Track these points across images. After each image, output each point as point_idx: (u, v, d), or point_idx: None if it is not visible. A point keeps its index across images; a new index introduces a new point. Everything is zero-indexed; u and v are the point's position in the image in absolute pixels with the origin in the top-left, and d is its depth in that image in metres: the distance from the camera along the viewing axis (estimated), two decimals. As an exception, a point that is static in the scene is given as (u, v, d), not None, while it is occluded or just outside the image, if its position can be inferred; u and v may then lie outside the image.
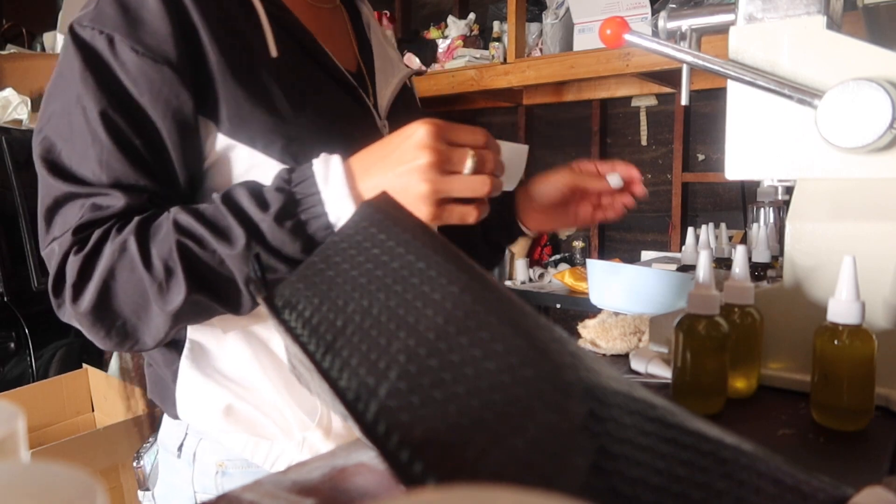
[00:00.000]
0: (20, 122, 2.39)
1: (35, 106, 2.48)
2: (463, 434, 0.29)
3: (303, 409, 0.68)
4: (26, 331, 2.09)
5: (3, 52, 2.70)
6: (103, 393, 2.06)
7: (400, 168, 0.55)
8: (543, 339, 0.33)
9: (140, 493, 0.73)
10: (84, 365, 2.10)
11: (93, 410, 2.09)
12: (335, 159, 0.58)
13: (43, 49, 2.94)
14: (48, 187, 0.60)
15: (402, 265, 0.39)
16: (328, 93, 0.69)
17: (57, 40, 2.78)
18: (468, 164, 0.56)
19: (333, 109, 0.68)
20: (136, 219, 0.59)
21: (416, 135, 0.55)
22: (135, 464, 0.73)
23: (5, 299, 2.09)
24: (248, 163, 0.64)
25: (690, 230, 1.06)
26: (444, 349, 0.33)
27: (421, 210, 0.56)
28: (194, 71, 0.61)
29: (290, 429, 0.69)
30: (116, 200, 0.59)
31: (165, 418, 0.76)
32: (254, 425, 0.69)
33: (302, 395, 0.68)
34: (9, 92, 2.40)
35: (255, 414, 0.69)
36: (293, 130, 0.64)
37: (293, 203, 0.57)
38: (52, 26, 2.81)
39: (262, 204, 0.57)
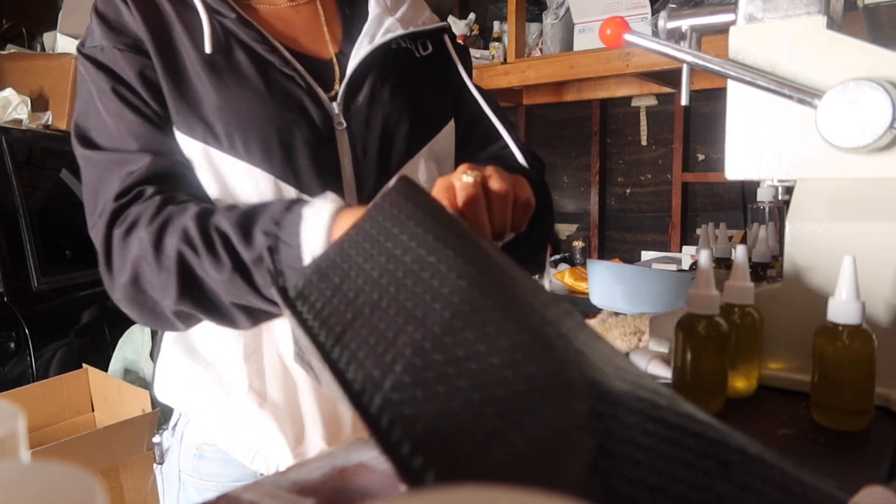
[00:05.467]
0: (20, 121, 2.38)
1: (35, 106, 2.47)
2: (464, 429, 0.29)
3: (253, 387, 0.74)
4: (26, 331, 2.09)
5: (3, 52, 2.70)
6: (103, 393, 2.05)
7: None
8: (549, 334, 0.33)
9: (155, 465, 0.87)
10: (84, 365, 2.10)
11: (93, 410, 2.09)
12: (324, 211, 0.60)
13: (43, 49, 2.93)
14: (90, 164, 0.72)
15: (413, 259, 0.39)
16: (271, 80, 0.73)
17: (57, 40, 2.77)
18: None
19: (270, 95, 0.72)
20: (166, 210, 0.66)
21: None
22: (154, 440, 0.87)
23: (5, 299, 2.09)
24: (202, 153, 0.71)
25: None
26: (450, 343, 0.33)
27: None
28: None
29: (232, 394, 0.75)
30: (143, 159, 0.69)
31: None
32: (208, 392, 0.76)
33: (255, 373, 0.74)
34: (9, 92, 2.40)
35: (210, 382, 0.76)
36: (224, 118, 0.70)
37: (275, 249, 0.61)
38: (52, 26, 2.81)
39: (248, 239, 0.62)
